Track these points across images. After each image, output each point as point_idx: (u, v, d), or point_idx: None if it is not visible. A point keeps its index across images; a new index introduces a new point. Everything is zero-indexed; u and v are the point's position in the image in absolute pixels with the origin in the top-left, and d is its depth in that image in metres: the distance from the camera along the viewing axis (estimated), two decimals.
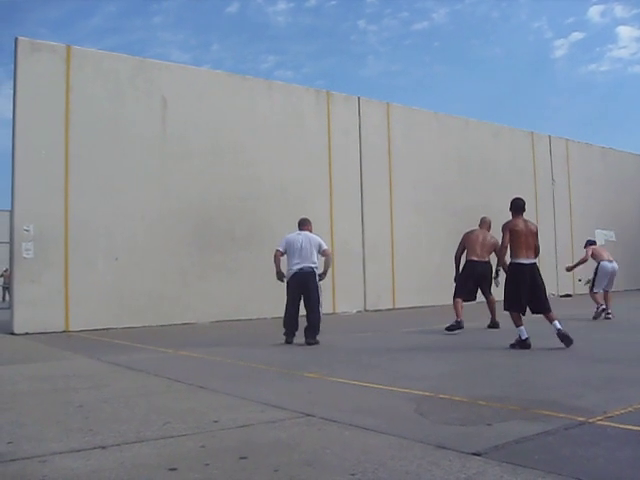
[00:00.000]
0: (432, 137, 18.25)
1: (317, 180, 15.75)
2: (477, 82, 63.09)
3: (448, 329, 10.25)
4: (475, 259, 10.97)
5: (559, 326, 8.07)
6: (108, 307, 12.51)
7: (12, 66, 12.16)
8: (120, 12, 64.63)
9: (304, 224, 10.02)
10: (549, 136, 21.94)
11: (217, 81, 14.71)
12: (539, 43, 62.14)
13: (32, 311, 11.71)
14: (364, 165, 16.67)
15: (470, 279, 10.92)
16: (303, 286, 9.43)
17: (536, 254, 8.58)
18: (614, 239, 23.40)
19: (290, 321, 9.45)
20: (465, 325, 10.49)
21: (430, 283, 16.54)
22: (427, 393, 5.29)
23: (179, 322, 13.15)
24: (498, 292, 9.45)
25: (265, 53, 65.70)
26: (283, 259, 9.68)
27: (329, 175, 15.97)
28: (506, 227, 8.54)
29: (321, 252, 9.62)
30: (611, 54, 63.10)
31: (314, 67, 64.97)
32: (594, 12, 61.76)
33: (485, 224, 11.55)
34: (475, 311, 11.74)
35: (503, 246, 8.63)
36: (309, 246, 9.53)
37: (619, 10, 60.94)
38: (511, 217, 8.74)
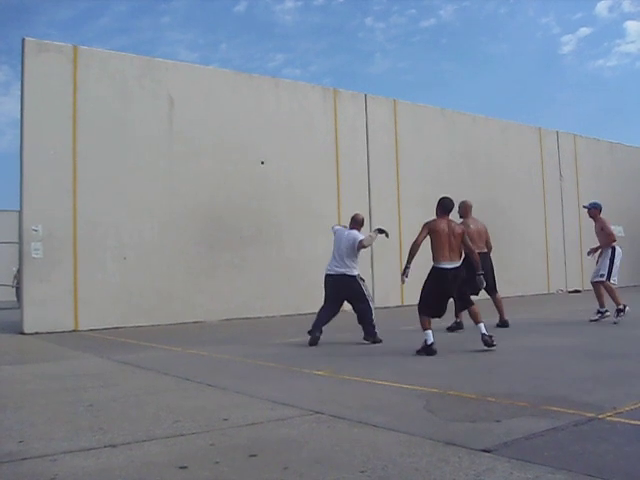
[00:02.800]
0: (439, 133, 18.21)
1: (324, 177, 15.74)
2: (485, 78, 62.83)
3: (449, 329, 10.18)
4: (477, 252, 10.71)
5: (484, 330, 7.88)
6: (117, 306, 12.55)
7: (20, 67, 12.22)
8: (129, 12, 64.66)
9: (355, 223, 9.98)
10: (557, 131, 21.85)
11: (224, 80, 14.71)
12: (547, 39, 61.83)
13: (42, 311, 11.75)
14: (371, 162, 16.65)
15: (472, 274, 10.68)
16: (342, 288, 9.39)
17: (461, 256, 8.27)
18: (623, 234, 23.24)
19: (319, 321, 9.26)
20: (473, 322, 10.45)
21: None
22: (436, 390, 5.29)
23: (188, 321, 13.17)
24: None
25: (273, 51, 65.60)
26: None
27: (336, 172, 15.96)
28: (426, 226, 8.23)
29: (357, 245, 9.50)
30: (619, 49, 62.73)
31: (322, 65, 64.85)
32: (602, 7, 61.38)
33: (470, 209, 10.94)
34: (483, 309, 11.69)
35: (416, 243, 8.29)
36: (345, 247, 9.46)
37: (627, 5, 60.57)
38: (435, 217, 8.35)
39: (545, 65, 62.36)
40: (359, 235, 9.49)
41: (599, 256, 11.42)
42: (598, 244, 11.49)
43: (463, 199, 11.17)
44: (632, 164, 24.08)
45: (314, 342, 8.93)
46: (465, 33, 63.00)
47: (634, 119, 62.34)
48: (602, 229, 11.37)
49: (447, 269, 7.99)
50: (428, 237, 8.22)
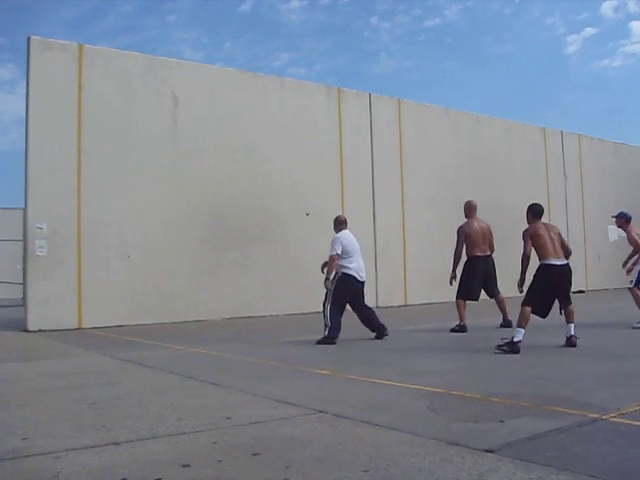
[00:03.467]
0: (443, 133, 18.19)
1: (328, 176, 15.73)
2: (489, 78, 62.70)
3: (452, 331, 10.14)
4: (479, 254, 10.48)
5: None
6: (120, 304, 12.56)
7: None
8: (134, 11, 64.67)
9: (344, 223, 9.76)
10: (561, 131, 21.81)
11: (228, 78, 14.71)
12: (552, 39, 61.67)
13: (45, 308, 11.78)
14: (375, 161, 16.64)
15: (475, 277, 10.42)
16: (360, 292, 9.41)
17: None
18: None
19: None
20: (477, 322, 10.46)
21: (442, 280, 16.44)
22: (439, 390, 5.28)
23: (191, 319, 13.18)
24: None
25: (278, 51, 65.53)
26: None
27: (340, 171, 15.96)
28: (527, 234, 8.34)
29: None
30: (624, 49, 62.53)
31: (327, 64, 64.76)
32: (607, 7, 61.20)
33: (475, 209, 10.82)
34: (487, 308, 11.69)
35: (525, 255, 8.29)
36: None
37: (632, 5, 60.36)
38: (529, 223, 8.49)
39: (550, 65, 62.26)
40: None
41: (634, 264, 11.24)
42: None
43: (467, 199, 11.15)
44: (637, 164, 24.02)
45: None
46: (470, 33, 62.91)
47: (639, 119, 62.21)
48: (631, 241, 11.32)
49: (555, 265, 8.00)
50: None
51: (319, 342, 8.84)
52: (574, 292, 20.38)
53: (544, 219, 8.74)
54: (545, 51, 62.52)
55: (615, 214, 11.64)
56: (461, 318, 10.19)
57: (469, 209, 10.83)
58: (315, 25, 64.21)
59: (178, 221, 13.45)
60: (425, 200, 17.32)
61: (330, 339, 8.86)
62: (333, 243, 9.23)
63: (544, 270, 8.03)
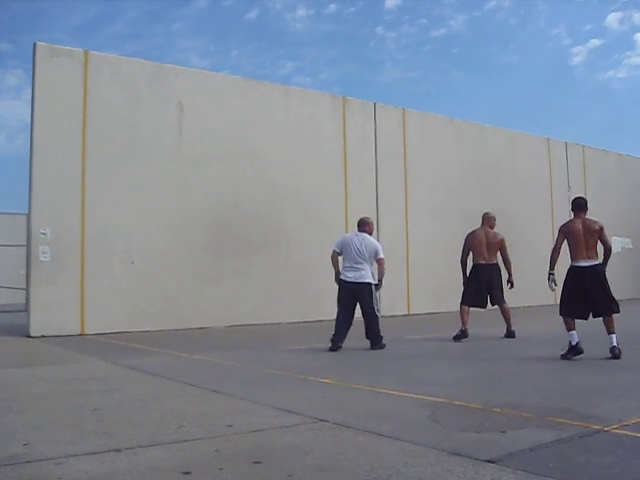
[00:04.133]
0: (448, 143, 18.20)
1: (332, 185, 15.75)
2: (495, 89, 62.78)
3: (455, 338, 10.14)
4: (482, 262, 10.58)
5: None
6: (124, 311, 12.56)
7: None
8: (141, 18, 64.93)
9: (362, 225, 9.72)
10: (565, 142, 21.80)
11: (234, 86, 14.75)
12: (557, 50, 61.76)
13: (48, 314, 11.77)
14: (380, 170, 16.65)
15: (478, 284, 10.51)
16: (357, 297, 9.28)
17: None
18: (631, 246, 23.24)
19: (339, 327, 9.21)
20: (480, 332, 10.44)
21: (446, 289, 16.45)
22: (442, 399, 5.27)
23: (194, 326, 13.16)
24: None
25: (284, 59, 65.71)
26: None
27: (344, 180, 15.97)
28: (562, 230, 8.33)
29: (377, 260, 9.40)
30: (629, 61, 62.59)
31: (332, 73, 64.91)
32: (612, 19, 61.31)
33: (489, 221, 10.99)
34: (492, 318, 11.67)
35: (555, 249, 8.34)
36: (364, 251, 9.32)
37: (638, 17, 60.44)
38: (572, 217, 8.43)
39: (555, 76, 62.31)
40: (380, 250, 9.51)
41: None
42: None
43: (486, 211, 11.30)
44: None
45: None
46: (476, 43, 63.02)
47: None
48: None
49: (583, 267, 8.04)
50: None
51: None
52: None
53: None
54: (550, 62, 62.64)
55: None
56: (463, 323, 10.24)
57: (483, 219, 11.07)
58: (321, 34, 64.41)
59: (182, 228, 13.46)
60: (429, 209, 17.32)
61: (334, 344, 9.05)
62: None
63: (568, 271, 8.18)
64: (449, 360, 8.07)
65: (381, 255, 9.39)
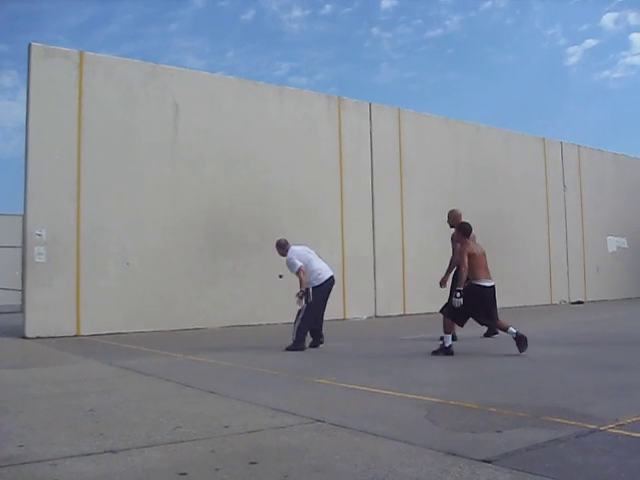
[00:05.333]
0: (443, 143, 18.22)
1: (328, 185, 15.76)
2: (490, 89, 62.84)
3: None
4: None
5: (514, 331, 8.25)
6: (119, 312, 12.54)
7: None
8: (137, 19, 64.85)
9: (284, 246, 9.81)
10: (561, 142, 21.85)
11: (229, 87, 14.75)
12: (553, 50, 61.85)
13: (44, 315, 11.75)
14: (375, 171, 16.66)
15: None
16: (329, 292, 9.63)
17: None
18: (626, 246, 23.30)
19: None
20: (475, 333, 10.43)
21: (441, 289, 16.48)
22: (437, 400, 5.27)
23: (190, 327, 13.16)
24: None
25: (279, 60, 65.71)
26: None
27: (340, 180, 15.98)
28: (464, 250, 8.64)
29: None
30: (625, 61, 62.70)
31: (328, 74, 64.91)
32: (608, 19, 61.41)
33: (459, 217, 10.41)
34: None
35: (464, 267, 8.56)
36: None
37: (633, 17, 60.54)
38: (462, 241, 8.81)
39: (550, 76, 62.42)
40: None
41: None
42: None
43: (452, 208, 11.03)
44: (636, 175, 24.08)
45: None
46: (471, 43, 63.09)
47: (639, 131, 62.34)
48: None
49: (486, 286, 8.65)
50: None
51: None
52: (573, 302, 20.49)
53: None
54: (546, 62, 62.71)
55: None
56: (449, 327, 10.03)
57: (457, 218, 10.52)
58: (316, 35, 64.42)
59: (178, 229, 13.45)
60: (424, 209, 17.33)
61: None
62: (289, 264, 9.50)
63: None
64: (444, 360, 8.08)
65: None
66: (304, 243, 10.06)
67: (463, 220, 9.36)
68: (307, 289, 9.32)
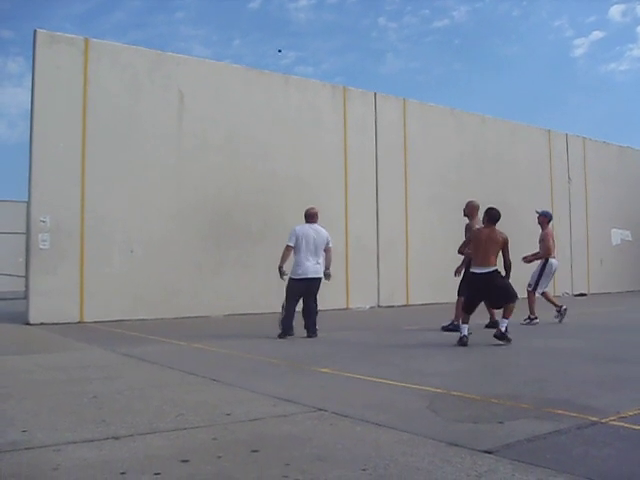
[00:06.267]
0: (448, 133, 18.17)
1: (332, 175, 15.73)
2: (496, 80, 62.65)
3: (445, 329, 10.05)
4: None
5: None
6: (123, 299, 12.57)
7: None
8: (143, 7, 64.79)
9: (311, 217, 9.84)
10: (566, 134, 21.77)
11: (234, 75, 14.71)
12: (559, 42, 61.62)
13: (47, 302, 11.78)
14: (380, 161, 16.63)
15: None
16: (310, 289, 9.53)
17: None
18: (630, 238, 23.25)
19: (291, 322, 9.54)
20: (479, 322, 10.42)
21: (444, 280, 16.44)
22: (440, 390, 5.28)
23: (193, 315, 13.18)
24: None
25: (286, 49, 65.70)
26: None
27: (344, 170, 15.95)
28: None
29: (326, 248, 9.61)
30: (631, 53, 62.47)
31: (334, 63, 64.81)
32: (615, 11, 61.14)
33: (476, 209, 10.63)
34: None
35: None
36: (320, 244, 9.55)
37: None
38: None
39: (557, 68, 62.19)
40: (329, 239, 9.78)
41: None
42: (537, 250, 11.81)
43: (470, 199, 11.04)
44: None
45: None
46: (478, 34, 62.86)
47: None
48: (542, 240, 11.43)
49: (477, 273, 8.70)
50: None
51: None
52: (576, 295, 20.43)
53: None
54: (552, 53, 62.50)
55: (538, 210, 11.84)
56: (456, 317, 9.99)
57: (473, 209, 10.70)
58: (323, 24, 64.26)
59: (182, 217, 13.46)
60: (428, 200, 17.31)
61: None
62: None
63: None
64: (447, 350, 8.08)
65: (331, 244, 9.71)
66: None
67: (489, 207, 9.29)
68: (280, 267, 9.44)
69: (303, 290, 9.49)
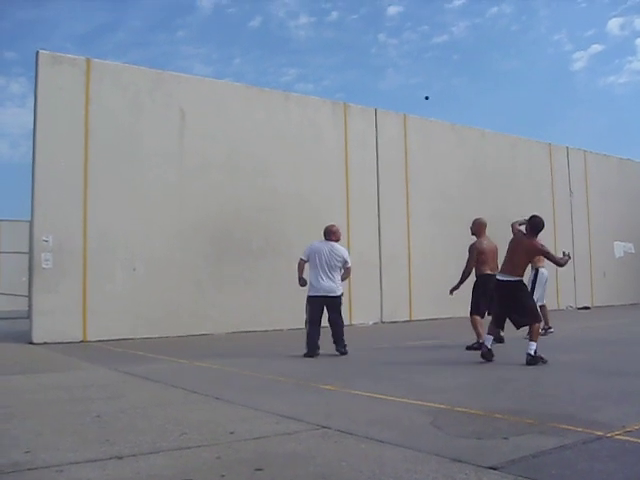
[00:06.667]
0: (449, 148, 18.21)
1: (334, 191, 15.76)
2: (496, 94, 62.87)
3: (469, 348, 9.85)
4: (489, 272, 10.08)
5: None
6: (125, 318, 12.56)
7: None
8: (144, 27, 65.20)
9: (329, 234, 9.78)
10: (567, 147, 21.82)
11: (235, 93, 14.78)
12: (558, 56, 61.88)
13: (50, 321, 11.78)
14: (381, 176, 16.66)
15: (487, 294, 9.93)
16: (330, 307, 9.49)
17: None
18: (633, 251, 23.22)
19: (314, 340, 9.36)
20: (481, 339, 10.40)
21: (447, 295, 16.42)
22: (443, 406, 5.26)
23: (196, 333, 13.16)
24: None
25: (286, 66, 65.94)
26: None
27: (346, 186, 15.98)
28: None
29: (344, 267, 9.56)
30: (630, 66, 62.68)
31: (334, 80, 65.10)
32: (613, 24, 61.41)
33: (484, 227, 10.53)
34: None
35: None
36: (334, 261, 9.45)
37: (639, 23, 60.53)
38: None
39: (556, 81, 62.37)
40: (348, 258, 9.70)
41: None
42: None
43: (477, 217, 10.91)
44: None
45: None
46: (477, 49, 63.14)
47: None
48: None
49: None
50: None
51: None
52: (579, 308, 20.39)
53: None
54: (551, 67, 62.71)
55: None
56: (478, 335, 9.75)
57: (480, 227, 10.53)
58: (323, 41, 64.57)
59: (184, 235, 13.48)
60: (430, 215, 17.32)
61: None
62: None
63: None
64: (450, 366, 8.06)
65: (349, 264, 9.64)
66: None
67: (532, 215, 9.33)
68: (298, 279, 9.55)
69: (319, 307, 9.44)
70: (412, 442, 4.10)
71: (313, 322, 9.44)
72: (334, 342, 9.42)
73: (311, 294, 9.48)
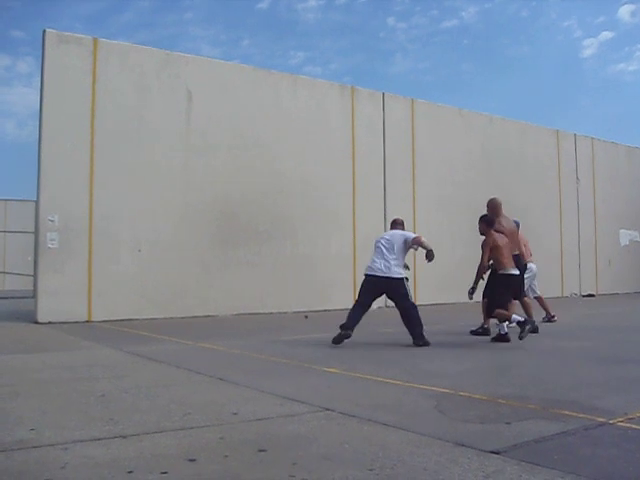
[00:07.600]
0: (456, 133, 18.14)
1: (340, 175, 15.74)
2: (505, 81, 62.63)
3: (494, 340, 9.72)
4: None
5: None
6: (130, 298, 12.61)
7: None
8: (152, 7, 65.01)
9: (393, 224, 9.54)
10: (574, 134, 21.71)
11: (242, 75, 14.73)
12: (568, 42, 61.58)
13: (55, 301, 11.83)
14: (387, 161, 16.62)
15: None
16: (388, 290, 8.86)
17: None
18: (639, 239, 23.16)
19: (351, 320, 8.62)
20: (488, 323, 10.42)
21: (451, 280, 16.45)
22: (447, 390, 5.28)
23: (201, 314, 13.22)
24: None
25: (294, 49, 65.77)
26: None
27: (352, 170, 15.95)
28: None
29: (411, 242, 8.86)
30: None
31: (342, 63, 64.91)
32: (624, 12, 61.04)
33: (499, 206, 10.04)
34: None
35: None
36: (391, 244, 8.81)
37: None
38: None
39: (566, 68, 62.08)
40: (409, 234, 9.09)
41: None
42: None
43: (491, 197, 10.36)
44: None
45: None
46: (486, 35, 62.84)
47: None
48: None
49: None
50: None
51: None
52: (584, 295, 20.38)
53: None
54: (561, 54, 62.39)
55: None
56: (485, 321, 9.71)
57: (496, 207, 10.01)
58: (332, 24, 64.34)
59: (189, 217, 13.49)
60: (436, 200, 17.29)
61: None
62: None
63: None
64: (454, 351, 8.07)
65: (412, 237, 8.94)
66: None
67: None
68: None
69: (372, 288, 8.79)
70: (415, 426, 4.12)
71: (361, 299, 8.89)
72: (410, 334, 8.64)
73: (365, 273, 8.97)
